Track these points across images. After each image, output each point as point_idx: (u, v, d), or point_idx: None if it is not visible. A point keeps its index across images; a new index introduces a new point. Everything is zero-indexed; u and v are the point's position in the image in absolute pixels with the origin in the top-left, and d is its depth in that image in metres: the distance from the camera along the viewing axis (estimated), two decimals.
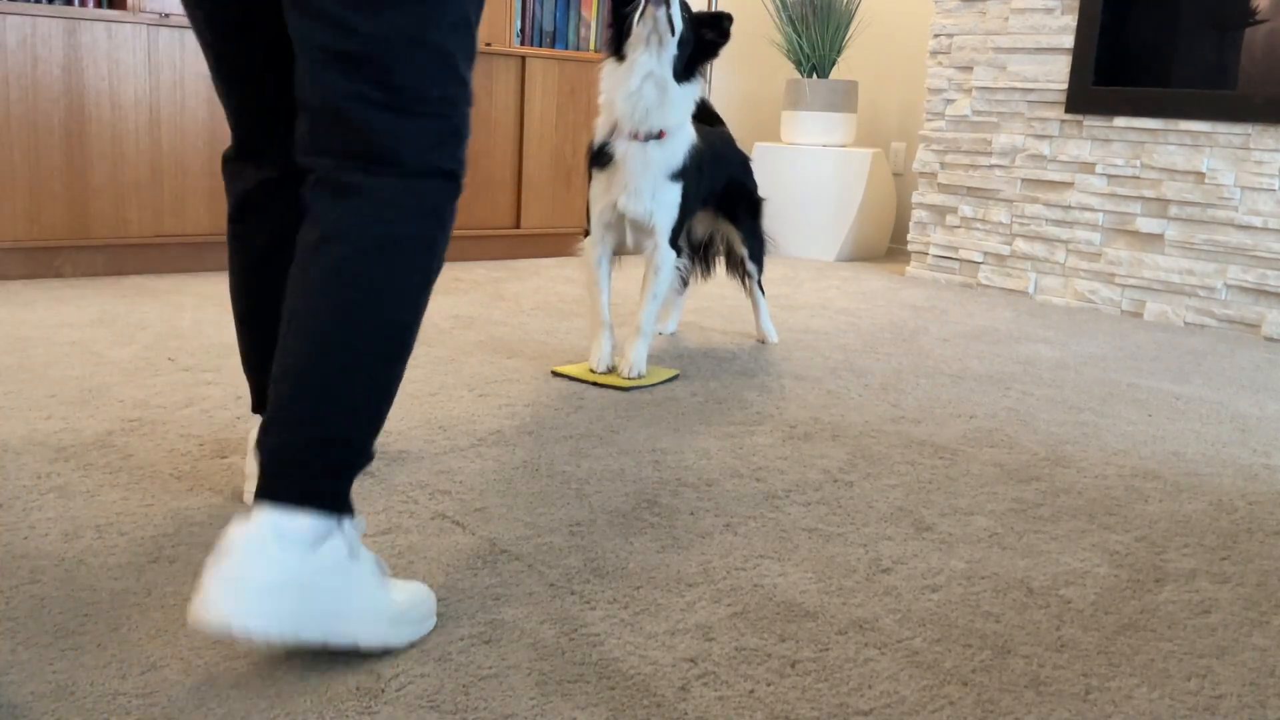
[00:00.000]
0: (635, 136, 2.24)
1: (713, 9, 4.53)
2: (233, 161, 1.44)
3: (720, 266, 2.79)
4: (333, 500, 1.12)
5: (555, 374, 2.37)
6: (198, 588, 1.06)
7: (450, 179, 1.18)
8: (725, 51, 5.09)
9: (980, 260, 3.95)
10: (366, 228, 1.13)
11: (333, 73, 1.12)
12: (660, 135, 2.25)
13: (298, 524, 1.08)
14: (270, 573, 1.06)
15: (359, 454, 1.15)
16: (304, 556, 1.08)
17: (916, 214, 4.13)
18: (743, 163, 2.72)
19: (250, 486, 1.34)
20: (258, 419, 1.51)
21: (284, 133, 1.36)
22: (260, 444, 1.12)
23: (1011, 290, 3.86)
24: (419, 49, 1.12)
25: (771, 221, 3.89)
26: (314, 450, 1.11)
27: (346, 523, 1.13)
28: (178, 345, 2.45)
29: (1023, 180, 3.81)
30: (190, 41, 3.23)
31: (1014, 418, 2.21)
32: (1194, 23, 3.49)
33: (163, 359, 2.32)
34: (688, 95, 2.32)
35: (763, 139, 5.17)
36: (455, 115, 1.17)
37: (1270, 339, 3.24)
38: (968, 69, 3.94)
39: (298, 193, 1.23)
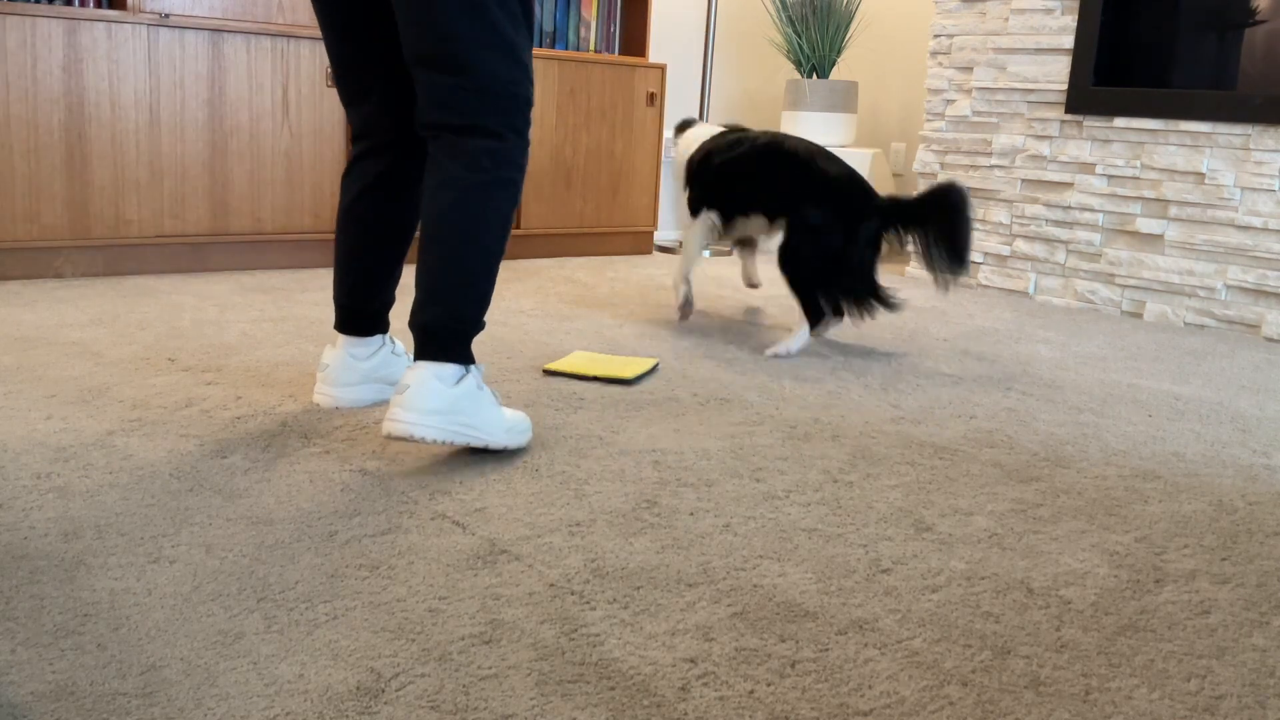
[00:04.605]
0: None
1: (713, 10, 4.53)
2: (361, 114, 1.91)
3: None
4: (463, 354, 1.71)
5: (547, 372, 2.37)
6: (387, 414, 1.68)
7: (520, 136, 1.72)
8: (725, 52, 5.10)
9: (980, 260, 3.95)
10: (471, 175, 1.68)
11: (433, 71, 1.66)
12: None
13: (445, 370, 1.69)
14: (431, 401, 1.67)
15: (475, 324, 1.73)
16: (451, 389, 1.68)
17: None
18: None
19: (322, 387, 2.02)
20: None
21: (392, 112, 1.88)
22: (412, 322, 1.71)
23: (1011, 290, 3.86)
24: (491, 49, 1.66)
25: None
26: (451, 324, 1.70)
27: (473, 368, 1.74)
28: (178, 345, 2.45)
29: (1023, 181, 3.81)
30: (190, 41, 3.24)
31: (1014, 418, 2.21)
32: (1194, 23, 3.49)
33: (163, 359, 2.32)
34: None
35: None
36: (521, 91, 1.70)
37: (1270, 339, 3.24)
38: (968, 69, 3.94)
39: (396, 155, 1.90)
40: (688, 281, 2.97)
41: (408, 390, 1.67)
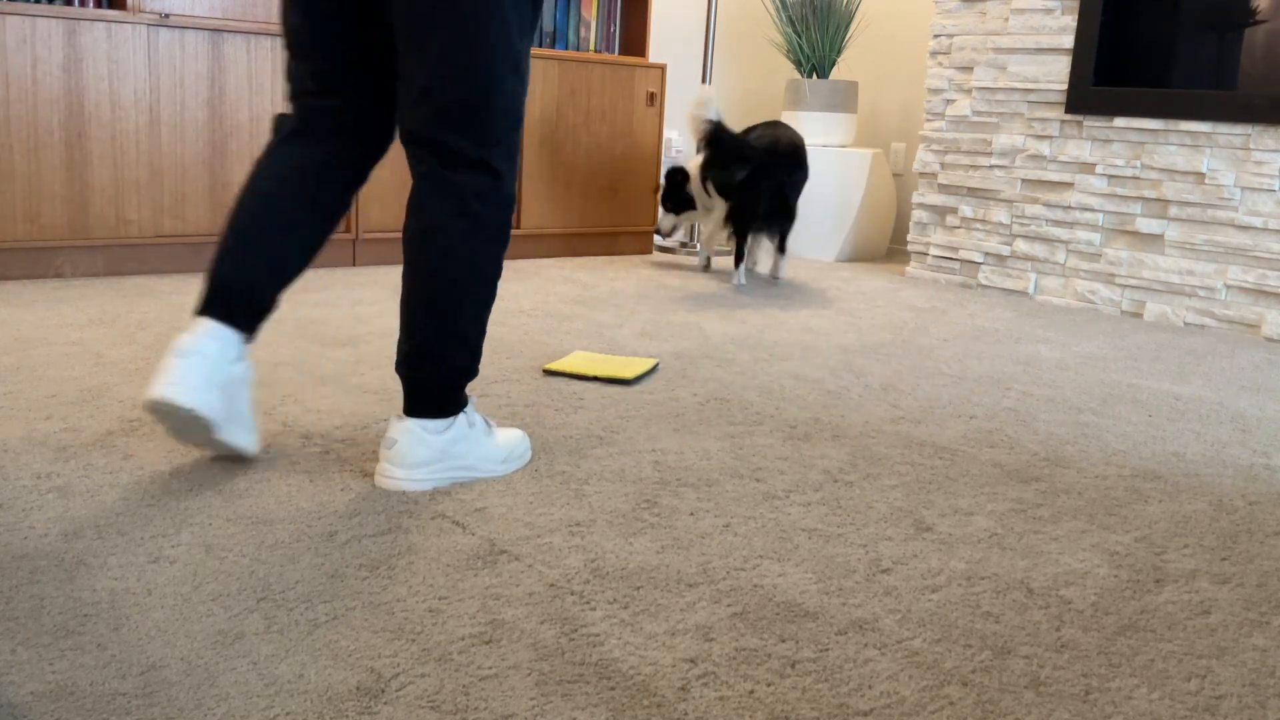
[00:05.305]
0: None
1: (713, 10, 4.53)
2: (312, 96, 1.68)
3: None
4: (451, 406, 1.65)
5: (547, 372, 2.37)
6: (377, 468, 1.65)
7: (512, 164, 1.62)
8: (725, 52, 5.10)
9: (980, 260, 3.95)
10: (463, 223, 1.57)
11: (428, 107, 1.55)
12: None
13: (432, 424, 1.63)
14: (419, 454, 1.63)
15: (468, 375, 1.66)
16: (439, 437, 1.63)
17: (916, 214, 4.13)
18: None
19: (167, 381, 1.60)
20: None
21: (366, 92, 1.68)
22: (400, 373, 1.63)
23: (1011, 290, 3.86)
24: (505, 64, 1.56)
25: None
26: (443, 381, 1.63)
27: (465, 407, 1.67)
28: None
29: (1023, 180, 3.81)
30: (190, 41, 3.24)
31: (1014, 418, 2.21)
32: (1194, 23, 3.49)
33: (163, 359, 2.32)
34: None
35: None
36: (520, 107, 1.61)
37: (1270, 339, 3.24)
38: (968, 69, 3.94)
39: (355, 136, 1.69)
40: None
41: (395, 446, 1.62)
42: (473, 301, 1.60)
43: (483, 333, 1.64)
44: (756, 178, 3.59)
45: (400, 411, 1.70)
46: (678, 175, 3.88)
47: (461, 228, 1.57)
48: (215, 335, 1.59)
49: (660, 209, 4.04)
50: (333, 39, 1.63)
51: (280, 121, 1.70)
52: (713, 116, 3.54)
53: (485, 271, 1.61)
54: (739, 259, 3.71)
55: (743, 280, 3.73)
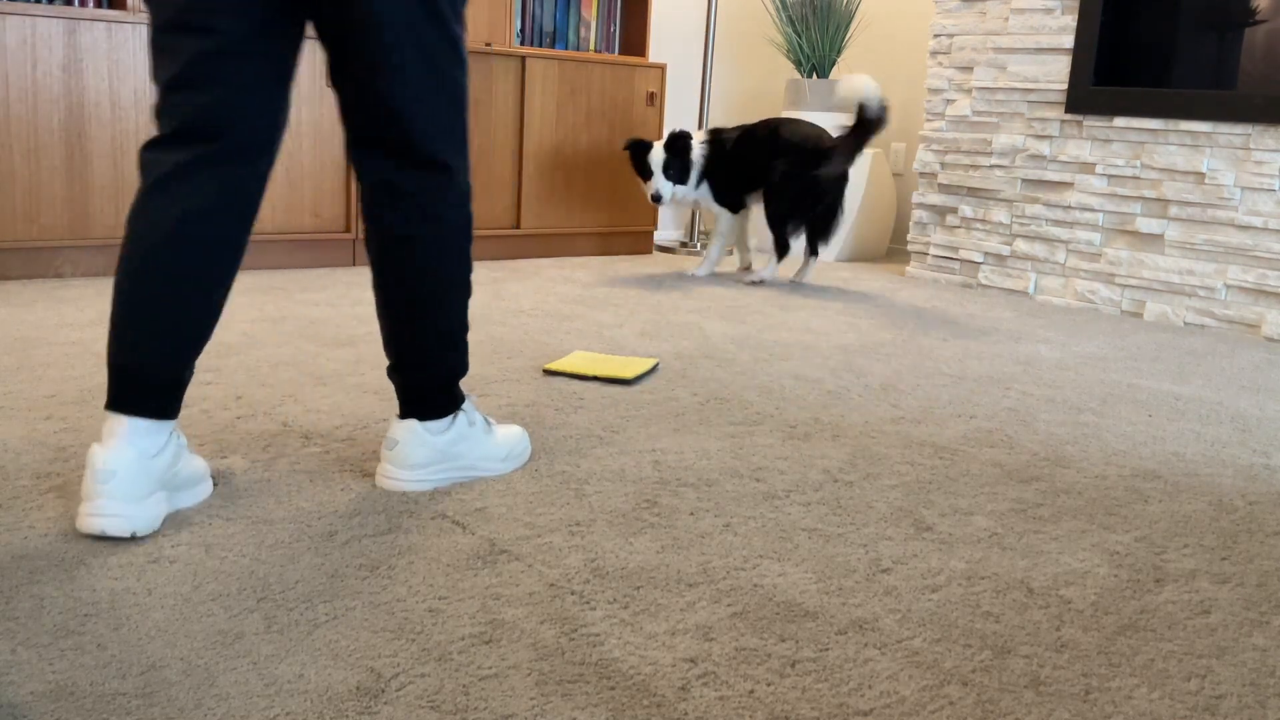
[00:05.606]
0: None
1: (713, 10, 4.53)
2: (161, 147, 1.45)
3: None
4: (449, 405, 1.65)
5: (547, 372, 2.37)
6: (379, 469, 1.65)
7: (464, 155, 1.56)
8: (725, 52, 5.10)
9: (980, 260, 3.95)
10: (424, 228, 1.53)
11: (372, 109, 1.48)
12: None
13: (433, 425, 1.63)
14: (419, 455, 1.63)
15: (459, 373, 1.65)
16: (439, 438, 1.64)
17: (916, 214, 4.13)
18: None
19: (105, 504, 1.40)
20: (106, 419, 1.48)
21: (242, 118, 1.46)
22: (393, 379, 1.63)
23: (1011, 290, 3.86)
24: (453, 51, 1.50)
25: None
26: (436, 382, 1.62)
27: (464, 405, 1.67)
28: None
29: (1023, 180, 3.81)
30: None
31: (1014, 418, 2.21)
32: (1194, 23, 3.49)
33: None
34: None
35: None
36: (466, 97, 1.55)
37: (1270, 339, 3.24)
38: (968, 69, 3.94)
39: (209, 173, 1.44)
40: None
41: (396, 446, 1.62)
42: (451, 301, 1.60)
43: (466, 325, 1.64)
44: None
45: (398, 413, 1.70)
46: (683, 139, 3.70)
47: (424, 236, 1.53)
48: (131, 438, 1.41)
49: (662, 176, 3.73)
50: (236, 62, 1.41)
51: (151, 162, 1.44)
52: (874, 104, 3.51)
53: (456, 273, 1.59)
54: (785, 252, 3.77)
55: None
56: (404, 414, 1.64)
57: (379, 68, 1.45)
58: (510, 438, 1.76)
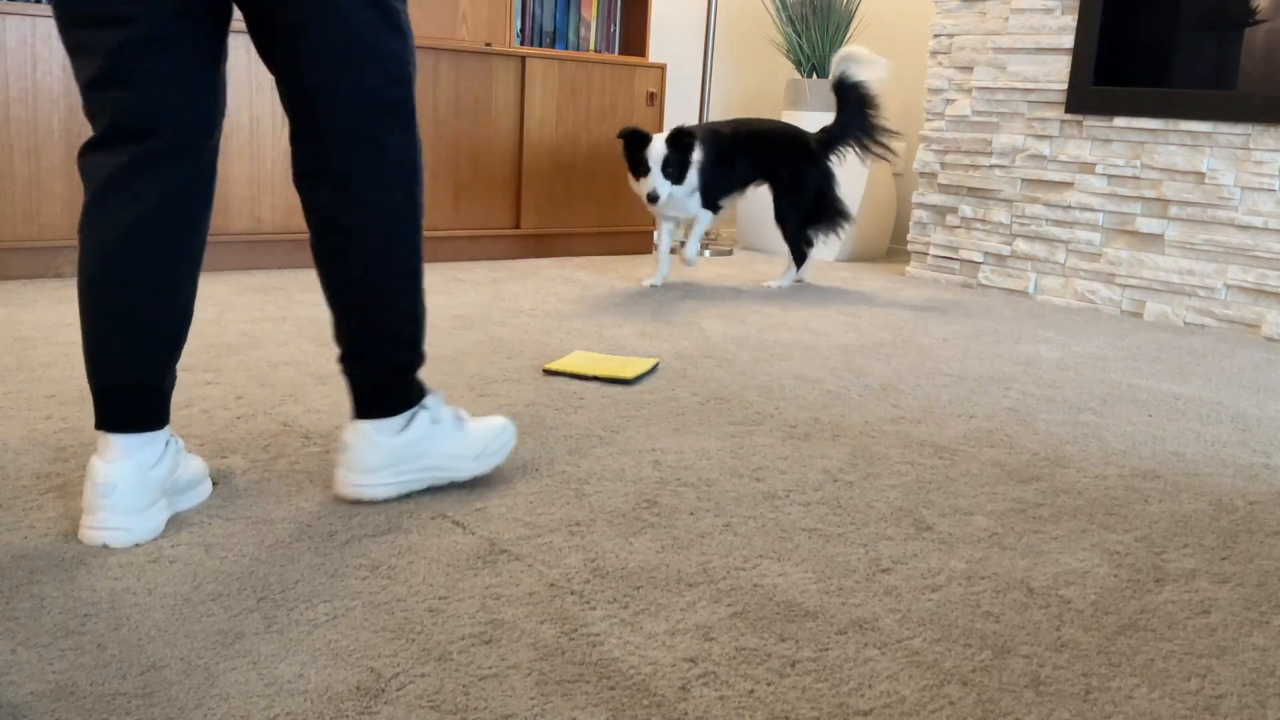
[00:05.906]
0: None
1: (713, 10, 4.53)
2: (99, 150, 1.41)
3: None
4: (405, 400, 1.53)
5: (547, 372, 2.37)
6: (335, 475, 1.55)
7: (410, 126, 1.46)
8: (725, 52, 5.10)
9: (980, 260, 3.95)
10: (362, 217, 1.44)
11: (306, 102, 1.42)
12: None
13: (384, 423, 1.52)
14: (374, 458, 1.53)
15: (414, 366, 1.54)
16: (394, 439, 1.53)
17: (916, 214, 4.13)
18: None
19: (106, 516, 1.39)
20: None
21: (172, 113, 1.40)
22: (346, 373, 1.52)
23: (1011, 290, 3.86)
24: (391, 26, 1.41)
25: (770, 221, 3.89)
26: (387, 378, 1.52)
27: (427, 399, 1.56)
28: None
29: (1023, 180, 3.81)
30: None
31: (1014, 418, 2.21)
32: (1194, 23, 3.49)
33: None
34: None
35: None
36: (411, 71, 1.45)
37: (1270, 339, 3.24)
38: (968, 69, 3.94)
39: (158, 173, 1.39)
40: None
41: (348, 450, 1.52)
42: (396, 291, 1.49)
43: (418, 317, 1.52)
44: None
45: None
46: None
47: (362, 225, 1.44)
48: (128, 453, 1.40)
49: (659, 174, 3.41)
50: (159, 51, 1.36)
51: (90, 168, 1.39)
52: (858, 77, 3.48)
53: (403, 261, 1.48)
54: (802, 259, 3.72)
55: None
56: (356, 414, 1.53)
57: (299, 41, 1.36)
58: (486, 433, 1.64)
